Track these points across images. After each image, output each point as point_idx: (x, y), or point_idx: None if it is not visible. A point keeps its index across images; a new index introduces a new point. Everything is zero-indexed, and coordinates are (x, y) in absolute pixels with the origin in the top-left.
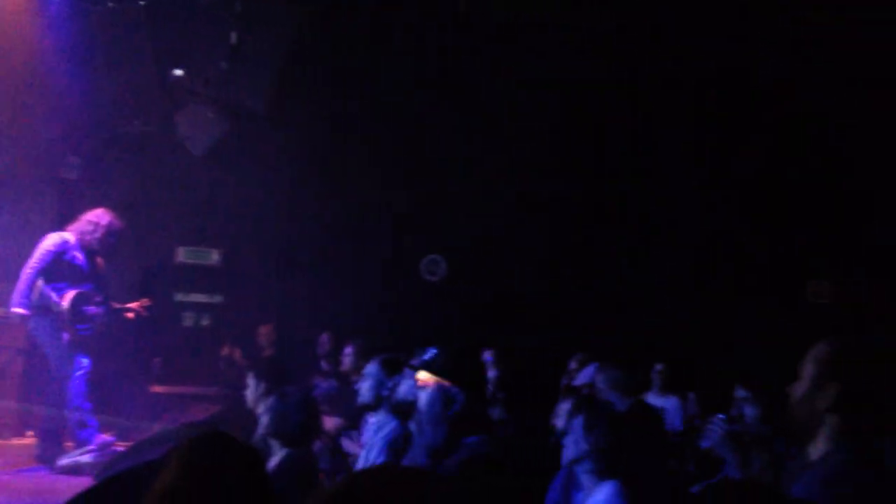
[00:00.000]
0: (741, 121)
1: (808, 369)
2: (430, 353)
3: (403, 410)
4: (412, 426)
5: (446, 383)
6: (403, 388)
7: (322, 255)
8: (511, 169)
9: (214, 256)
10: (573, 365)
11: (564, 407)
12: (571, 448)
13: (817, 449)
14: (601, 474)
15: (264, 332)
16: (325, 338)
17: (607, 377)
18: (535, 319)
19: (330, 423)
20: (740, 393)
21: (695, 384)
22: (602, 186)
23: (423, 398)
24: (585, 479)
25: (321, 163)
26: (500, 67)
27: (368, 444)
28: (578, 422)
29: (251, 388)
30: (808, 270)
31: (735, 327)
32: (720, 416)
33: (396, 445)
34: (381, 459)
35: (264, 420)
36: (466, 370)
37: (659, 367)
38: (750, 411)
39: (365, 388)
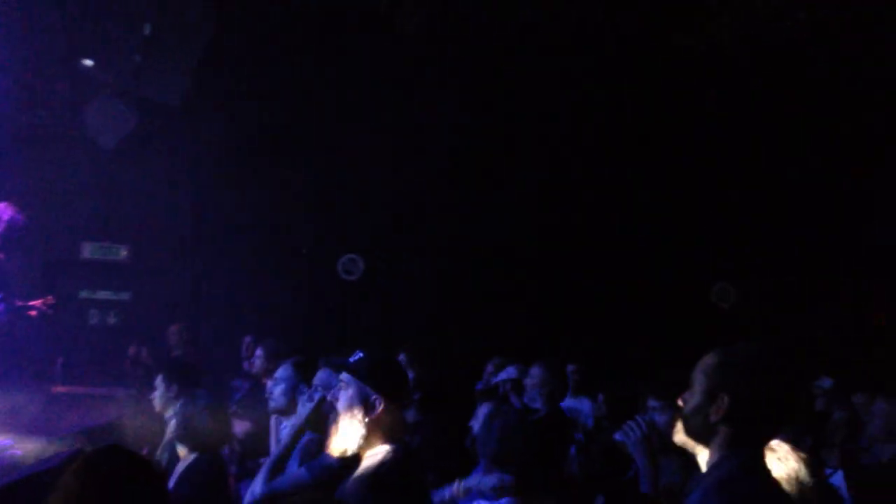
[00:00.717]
0: (647, 126)
1: (699, 380)
2: (356, 357)
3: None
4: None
5: (367, 388)
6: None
7: (236, 252)
8: (428, 167)
9: (122, 252)
10: (490, 368)
11: (483, 409)
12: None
13: (710, 457)
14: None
15: (174, 331)
16: (249, 339)
17: (534, 380)
18: (452, 321)
19: (240, 427)
20: (652, 403)
21: (604, 385)
22: (513, 184)
23: (342, 400)
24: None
25: (235, 157)
26: (417, 66)
27: None
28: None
29: (160, 391)
30: (712, 274)
31: (642, 328)
32: (643, 416)
33: (310, 453)
34: (294, 467)
35: (172, 424)
36: (388, 377)
37: (571, 367)
38: (661, 419)
39: (277, 393)
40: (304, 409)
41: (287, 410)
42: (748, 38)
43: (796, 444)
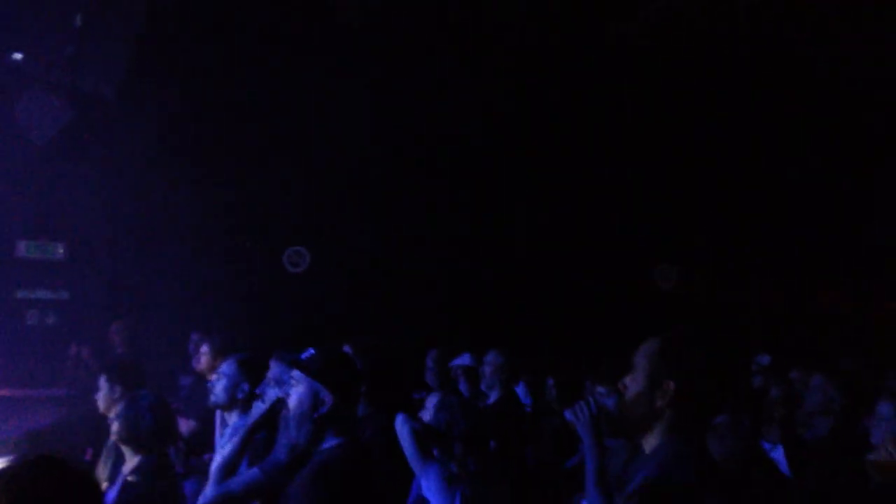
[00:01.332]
0: (586, 111)
1: (641, 365)
2: (308, 354)
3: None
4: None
5: (318, 384)
6: (270, 395)
7: (178, 246)
8: (373, 156)
9: (59, 250)
10: (430, 364)
11: (432, 400)
12: None
13: (653, 440)
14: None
15: (116, 330)
16: (194, 335)
17: (492, 366)
18: (400, 312)
19: (185, 425)
20: (599, 389)
21: (550, 371)
22: (457, 173)
23: (293, 397)
24: None
25: (174, 150)
26: (360, 55)
27: (224, 448)
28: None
29: (103, 391)
30: (654, 257)
31: (584, 311)
32: (595, 397)
33: (259, 449)
34: (243, 465)
35: (115, 425)
36: (340, 374)
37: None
38: (610, 404)
39: (219, 388)
40: (257, 409)
41: (227, 406)
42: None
43: (735, 423)
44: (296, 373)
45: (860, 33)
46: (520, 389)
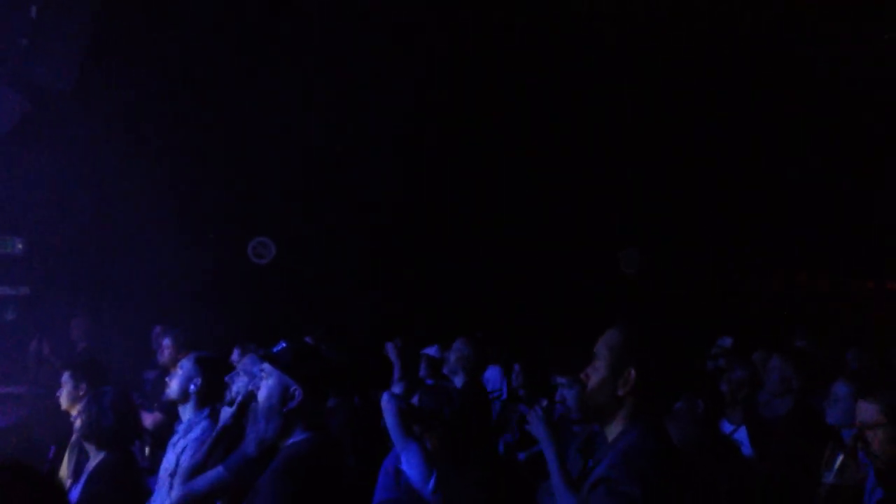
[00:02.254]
0: (552, 95)
1: (602, 354)
2: (279, 347)
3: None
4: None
5: (288, 378)
6: (239, 385)
7: (139, 239)
8: (337, 146)
9: (18, 245)
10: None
11: (397, 389)
12: None
13: (616, 428)
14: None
15: (77, 325)
16: (157, 329)
17: (458, 354)
18: (365, 304)
19: (150, 419)
20: (559, 380)
21: (517, 355)
22: (421, 160)
23: (263, 390)
24: None
25: (134, 141)
26: (320, 41)
27: (176, 445)
28: None
29: (67, 388)
30: (619, 241)
31: (549, 297)
32: (543, 403)
33: (226, 443)
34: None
35: (78, 423)
36: (310, 368)
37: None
38: (569, 394)
39: (174, 383)
40: (225, 413)
41: (180, 400)
42: None
43: (691, 408)
44: (266, 366)
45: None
46: (495, 374)
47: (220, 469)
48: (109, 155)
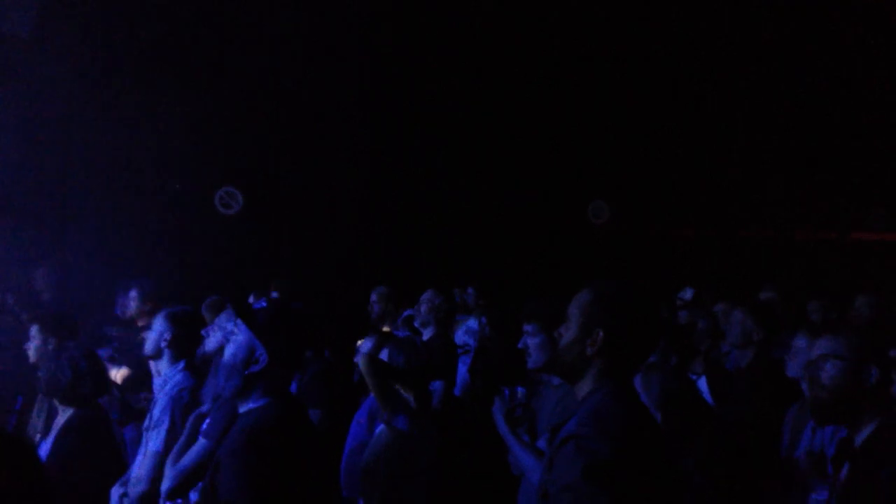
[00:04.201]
0: (518, 44)
1: (573, 315)
2: (258, 305)
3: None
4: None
5: (257, 341)
6: (212, 342)
7: (103, 189)
8: (305, 93)
9: None
10: (374, 297)
11: (367, 344)
12: None
13: (584, 387)
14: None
15: (41, 275)
16: (123, 281)
17: (428, 304)
18: (334, 254)
19: (118, 372)
20: (526, 327)
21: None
22: (386, 113)
23: (230, 346)
24: None
25: (96, 90)
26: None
27: (153, 400)
28: None
29: (36, 343)
30: (587, 192)
31: (518, 249)
32: (505, 392)
33: (181, 401)
34: (165, 416)
35: (42, 379)
36: (282, 336)
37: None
38: (533, 342)
39: (149, 341)
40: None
41: (154, 356)
42: None
43: (663, 362)
44: (239, 322)
45: None
46: (474, 325)
47: (201, 441)
48: (70, 103)
